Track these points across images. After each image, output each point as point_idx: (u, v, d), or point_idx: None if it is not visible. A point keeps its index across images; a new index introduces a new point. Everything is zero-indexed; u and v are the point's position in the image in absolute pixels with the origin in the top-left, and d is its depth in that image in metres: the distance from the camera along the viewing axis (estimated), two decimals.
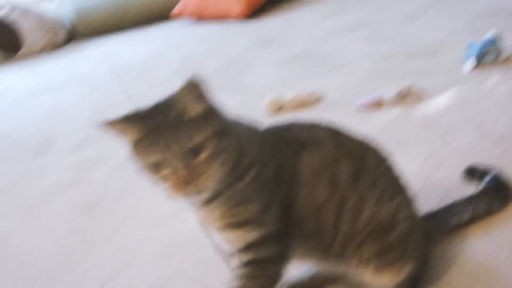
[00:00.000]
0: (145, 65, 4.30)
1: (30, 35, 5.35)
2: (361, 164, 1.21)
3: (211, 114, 1.06)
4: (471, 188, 1.64)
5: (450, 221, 1.47)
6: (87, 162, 2.57)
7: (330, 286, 1.41)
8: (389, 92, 2.46)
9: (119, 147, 2.40)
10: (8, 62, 5.32)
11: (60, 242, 1.91)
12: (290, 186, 1.16)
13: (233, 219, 1.13)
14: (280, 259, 1.19)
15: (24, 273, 1.78)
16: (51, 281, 1.71)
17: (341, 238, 1.21)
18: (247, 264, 1.17)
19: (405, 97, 2.44)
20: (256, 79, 3.30)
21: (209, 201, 1.12)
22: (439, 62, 2.84)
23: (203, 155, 1.03)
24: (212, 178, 1.06)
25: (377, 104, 2.44)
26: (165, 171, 1.04)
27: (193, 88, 1.02)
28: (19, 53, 5.37)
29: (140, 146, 1.04)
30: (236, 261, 1.23)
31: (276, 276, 1.19)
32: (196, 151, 1.03)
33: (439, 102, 2.34)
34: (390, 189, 1.24)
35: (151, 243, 1.79)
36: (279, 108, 2.62)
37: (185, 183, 1.03)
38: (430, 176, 1.79)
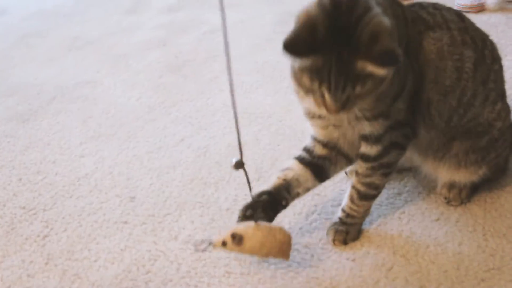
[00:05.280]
0: None
1: None
2: (481, 55, 1.18)
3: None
4: None
5: None
6: (178, 25, 2.58)
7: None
8: None
9: (210, 15, 2.43)
10: None
11: (144, 97, 1.99)
12: (415, 64, 1.12)
13: (368, 113, 1.09)
14: (401, 147, 1.18)
15: (108, 118, 1.87)
16: (133, 130, 1.79)
17: (447, 130, 1.20)
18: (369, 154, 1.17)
19: (510, 3, 2.33)
20: None
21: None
22: None
23: (358, 91, 0.98)
24: (359, 106, 1.04)
25: (480, 7, 2.34)
26: (317, 98, 1.00)
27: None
28: None
29: (307, 72, 0.98)
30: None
31: (394, 162, 1.18)
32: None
33: None
34: (496, 91, 1.22)
35: (231, 110, 1.82)
36: None
37: (332, 111, 1.00)
38: None
